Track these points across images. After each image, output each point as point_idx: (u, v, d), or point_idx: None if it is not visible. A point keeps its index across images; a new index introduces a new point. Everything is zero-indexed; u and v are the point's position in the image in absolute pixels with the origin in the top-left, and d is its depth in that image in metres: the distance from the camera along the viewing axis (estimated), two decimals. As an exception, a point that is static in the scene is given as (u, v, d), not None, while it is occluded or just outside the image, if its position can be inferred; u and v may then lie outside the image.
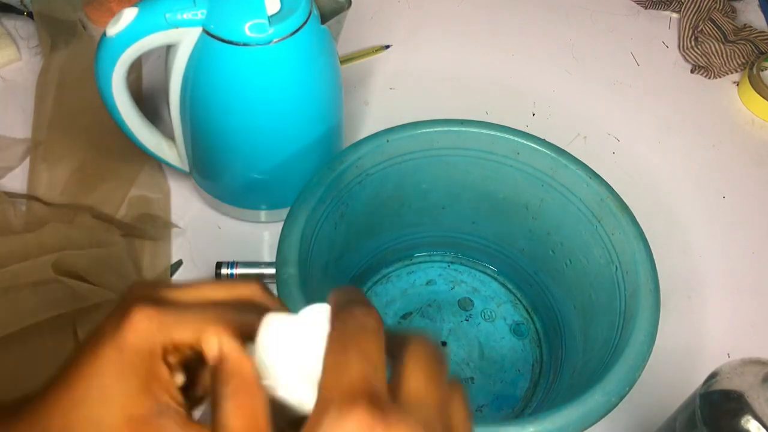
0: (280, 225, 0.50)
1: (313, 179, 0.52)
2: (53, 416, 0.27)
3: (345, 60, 0.81)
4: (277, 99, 0.56)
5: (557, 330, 0.59)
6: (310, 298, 0.45)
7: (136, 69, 0.77)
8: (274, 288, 0.44)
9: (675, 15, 0.92)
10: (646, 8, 0.94)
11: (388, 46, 0.84)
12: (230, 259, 0.62)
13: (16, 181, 0.68)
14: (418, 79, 0.82)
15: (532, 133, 0.55)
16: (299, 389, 0.26)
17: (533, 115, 0.80)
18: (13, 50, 0.79)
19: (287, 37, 0.53)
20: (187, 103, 0.57)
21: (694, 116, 0.82)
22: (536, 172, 0.55)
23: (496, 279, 0.64)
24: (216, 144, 0.59)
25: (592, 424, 0.41)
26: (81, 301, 0.57)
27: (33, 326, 0.55)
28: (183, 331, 0.27)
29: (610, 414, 0.42)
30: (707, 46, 0.86)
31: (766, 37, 0.87)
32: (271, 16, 0.52)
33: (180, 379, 0.29)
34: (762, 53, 0.85)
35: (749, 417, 0.40)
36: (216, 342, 0.26)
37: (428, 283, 0.64)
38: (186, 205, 0.68)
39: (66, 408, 0.27)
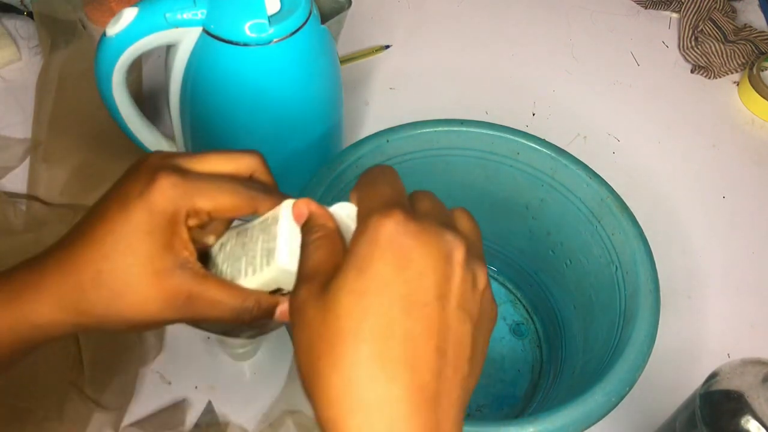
0: (280, 225, 0.50)
1: (313, 179, 0.52)
2: (83, 267, 0.31)
3: (345, 60, 0.81)
4: (277, 99, 0.56)
5: (557, 330, 0.59)
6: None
7: (136, 69, 0.77)
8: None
9: (675, 15, 0.92)
10: (646, 8, 0.94)
11: (388, 46, 0.84)
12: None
13: (16, 181, 0.68)
14: (418, 79, 0.82)
15: (532, 133, 0.55)
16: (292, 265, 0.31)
17: (533, 115, 0.80)
18: (13, 50, 0.79)
19: (287, 37, 0.52)
20: (187, 103, 0.57)
21: (694, 116, 0.82)
22: (536, 172, 0.55)
23: (495, 279, 0.64)
24: (216, 144, 0.59)
25: (592, 424, 0.41)
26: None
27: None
28: (204, 200, 0.32)
29: (610, 414, 0.42)
30: (707, 46, 0.86)
31: (766, 37, 0.87)
32: (271, 16, 0.52)
33: (212, 239, 0.35)
34: (762, 53, 0.85)
35: (749, 417, 0.40)
36: (305, 205, 0.32)
37: (428, 283, 0.64)
38: (186, 205, 0.68)
39: (96, 260, 0.31)
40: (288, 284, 0.32)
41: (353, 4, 0.74)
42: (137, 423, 0.54)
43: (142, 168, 0.32)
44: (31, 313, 0.32)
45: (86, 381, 0.54)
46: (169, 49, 0.56)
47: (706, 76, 0.86)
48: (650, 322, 0.46)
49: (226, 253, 0.35)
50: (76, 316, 0.32)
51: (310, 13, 0.54)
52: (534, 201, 0.57)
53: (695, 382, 0.45)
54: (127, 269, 0.31)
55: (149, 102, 0.76)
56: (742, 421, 0.40)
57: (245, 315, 0.33)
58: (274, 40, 0.52)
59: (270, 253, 0.32)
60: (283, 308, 0.34)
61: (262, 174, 0.35)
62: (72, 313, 0.32)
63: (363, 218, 0.28)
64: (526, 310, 0.63)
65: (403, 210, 0.28)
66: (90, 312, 0.32)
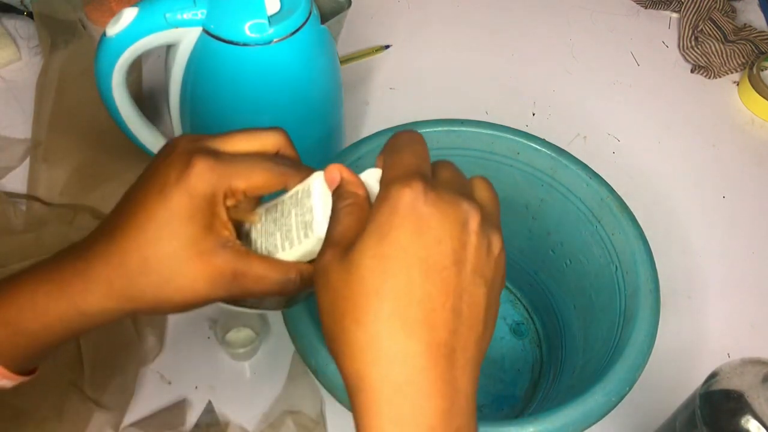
0: (280, 225, 0.50)
1: (313, 179, 0.52)
2: (129, 255, 0.32)
3: (345, 60, 0.81)
4: (276, 99, 0.56)
5: (557, 330, 0.59)
6: (312, 298, 0.45)
7: (136, 69, 0.77)
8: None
9: (675, 15, 0.92)
10: (646, 8, 0.94)
11: (388, 46, 0.84)
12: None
13: (16, 181, 0.68)
14: (418, 79, 0.82)
15: (532, 133, 0.55)
16: (321, 229, 0.32)
17: (533, 115, 0.80)
18: (13, 50, 0.79)
19: (287, 37, 0.53)
20: (187, 103, 0.57)
21: (694, 116, 0.82)
22: (536, 172, 0.55)
23: (496, 279, 0.64)
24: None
25: (592, 424, 0.41)
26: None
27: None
28: (239, 180, 0.33)
29: (610, 414, 0.42)
30: (707, 46, 0.86)
31: (766, 37, 0.87)
32: (271, 16, 0.52)
33: (256, 217, 0.35)
34: (762, 53, 0.85)
35: (749, 417, 0.40)
36: (338, 172, 0.33)
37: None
38: (186, 205, 0.68)
39: (141, 245, 0.32)
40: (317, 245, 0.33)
41: (353, 4, 0.74)
42: (137, 423, 0.54)
43: (174, 153, 0.33)
44: (82, 303, 0.33)
45: (86, 381, 0.54)
46: (169, 49, 0.56)
47: (706, 76, 0.86)
48: (650, 322, 0.46)
49: (257, 230, 0.36)
50: (125, 302, 0.33)
51: (310, 13, 0.54)
52: (534, 201, 0.57)
53: (695, 382, 0.45)
54: (173, 254, 0.32)
55: (149, 102, 0.76)
56: (742, 421, 0.40)
57: (290, 286, 0.34)
58: (274, 40, 0.52)
59: (307, 225, 0.33)
60: None
61: (287, 149, 0.36)
62: (121, 301, 0.33)
63: (385, 185, 0.30)
64: (526, 310, 0.63)
65: (423, 180, 0.29)
66: (140, 298, 0.33)
